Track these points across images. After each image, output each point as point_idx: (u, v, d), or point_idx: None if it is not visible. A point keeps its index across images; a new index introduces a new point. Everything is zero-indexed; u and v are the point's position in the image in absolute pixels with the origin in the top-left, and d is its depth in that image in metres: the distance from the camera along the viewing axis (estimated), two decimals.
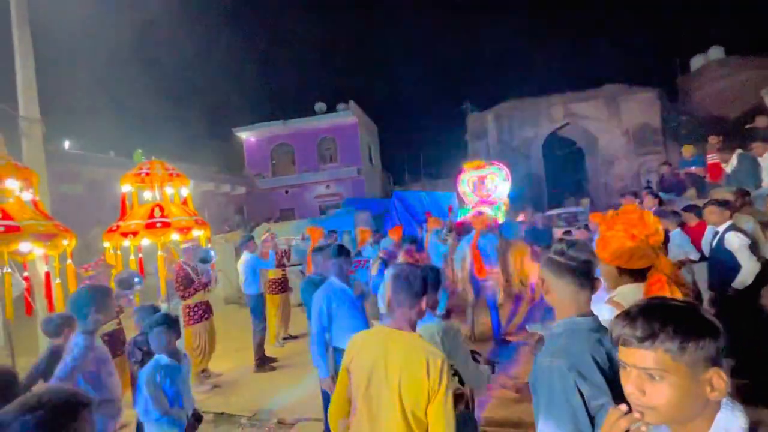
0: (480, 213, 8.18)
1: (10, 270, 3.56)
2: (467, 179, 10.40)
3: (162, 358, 2.37)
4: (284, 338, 6.19)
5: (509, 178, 10.32)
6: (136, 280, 4.21)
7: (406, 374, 1.55)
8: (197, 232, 4.96)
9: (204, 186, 17.67)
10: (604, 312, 1.64)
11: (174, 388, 2.33)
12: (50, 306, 3.80)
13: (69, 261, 4.04)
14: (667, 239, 3.91)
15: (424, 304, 1.67)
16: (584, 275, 1.31)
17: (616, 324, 0.86)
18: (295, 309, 6.53)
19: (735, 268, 3.45)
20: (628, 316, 0.85)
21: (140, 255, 4.91)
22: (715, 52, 16.77)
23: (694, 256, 4.21)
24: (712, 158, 7.33)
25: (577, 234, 6.25)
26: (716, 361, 0.79)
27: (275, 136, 22.16)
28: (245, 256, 5.62)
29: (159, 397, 2.27)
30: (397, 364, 1.57)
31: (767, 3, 21.13)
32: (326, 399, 3.49)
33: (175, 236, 4.70)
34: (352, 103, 21.44)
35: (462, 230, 7.51)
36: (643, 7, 44.19)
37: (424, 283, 1.68)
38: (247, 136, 22.30)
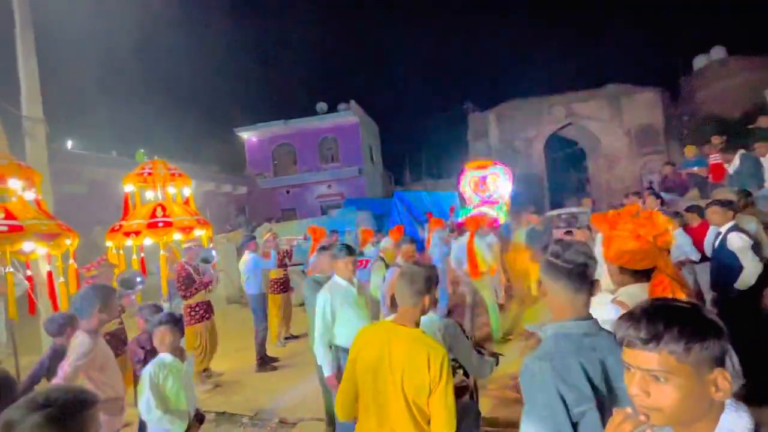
0: (481, 213, 8.18)
1: (12, 269, 3.57)
2: (469, 179, 10.39)
3: (165, 356, 2.37)
4: (286, 338, 6.20)
5: (511, 178, 10.31)
6: (138, 279, 4.23)
7: (408, 367, 1.64)
8: (199, 232, 4.97)
9: (206, 186, 17.70)
10: (609, 312, 1.64)
11: (176, 387, 2.33)
12: (54, 305, 3.81)
13: (71, 261, 4.05)
14: None
15: (427, 302, 1.76)
16: (580, 278, 1.28)
17: (620, 325, 0.86)
18: (296, 309, 6.54)
19: (737, 268, 3.44)
20: (632, 317, 0.84)
21: (142, 254, 4.93)
22: (718, 52, 16.71)
23: (695, 256, 4.20)
24: (715, 158, 7.30)
25: (578, 234, 6.24)
26: (721, 362, 0.79)
27: (277, 136, 22.19)
28: (247, 256, 5.63)
29: (161, 396, 2.27)
30: (400, 358, 1.66)
31: None
32: (328, 397, 3.50)
33: (177, 236, 4.71)
34: (353, 102, 21.45)
35: (462, 231, 7.51)
36: (646, 7, 44.10)
37: (428, 282, 1.76)
38: (248, 136, 22.33)
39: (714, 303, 3.64)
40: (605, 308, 1.73)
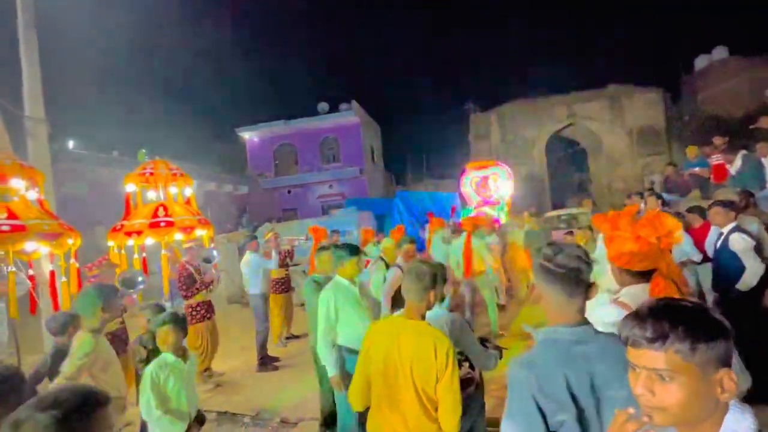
0: (482, 214, 8.18)
1: (14, 269, 3.58)
2: (470, 179, 10.39)
3: (167, 356, 2.37)
4: (287, 338, 6.21)
5: (512, 178, 10.31)
6: (139, 279, 4.24)
7: (417, 357, 1.77)
8: (200, 232, 4.98)
9: (207, 186, 17.74)
10: (610, 313, 1.64)
11: (177, 387, 2.32)
12: (55, 305, 3.82)
13: (73, 260, 4.06)
14: None
15: (432, 297, 1.87)
16: (574, 282, 1.23)
17: (625, 325, 0.86)
18: (297, 309, 6.54)
19: (739, 269, 3.43)
20: (637, 316, 0.84)
21: (144, 254, 4.94)
22: (719, 53, 16.69)
23: (696, 257, 4.19)
24: (717, 159, 7.29)
25: (579, 234, 6.24)
26: (726, 362, 0.79)
27: (278, 136, 22.20)
28: (248, 255, 5.64)
29: (161, 397, 2.27)
30: (409, 349, 1.79)
31: None
32: (330, 396, 3.51)
33: (178, 235, 4.72)
34: (354, 103, 21.45)
35: (461, 231, 7.50)
36: (647, 7, 44.02)
37: (434, 279, 1.87)
38: (250, 136, 22.35)
39: (716, 303, 3.63)
40: (605, 309, 1.73)
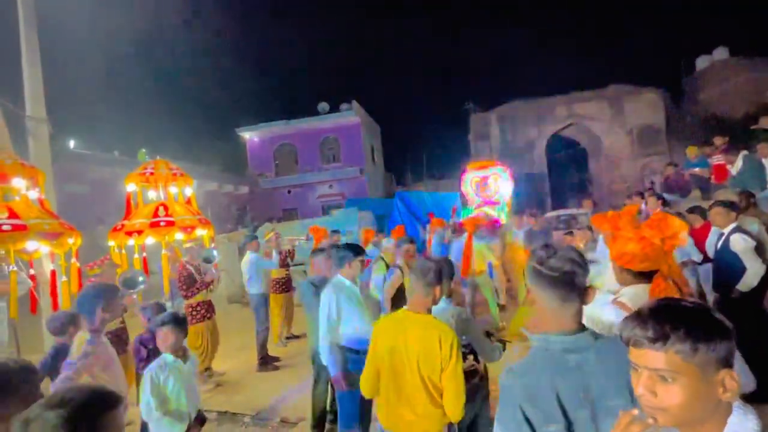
0: (482, 214, 8.18)
1: (15, 268, 3.58)
2: (470, 180, 10.39)
3: (167, 357, 2.36)
4: (287, 337, 6.21)
5: (512, 178, 10.30)
6: (140, 279, 4.24)
7: (423, 349, 1.88)
8: (201, 232, 4.98)
9: (207, 185, 17.73)
10: (609, 313, 1.64)
11: (177, 388, 2.31)
12: (54, 304, 3.82)
13: (74, 260, 4.07)
14: None
15: (438, 292, 1.98)
16: (568, 287, 1.18)
17: (626, 325, 0.86)
18: (298, 309, 6.53)
19: (740, 270, 3.43)
20: (639, 316, 0.84)
21: (144, 254, 4.94)
22: (720, 53, 16.69)
23: (696, 257, 4.19)
24: (717, 159, 7.28)
25: (579, 234, 6.22)
26: (728, 363, 0.79)
27: (278, 136, 22.21)
28: (249, 255, 5.64)
29: (161, 398, 2.27)
30: (416, 341, 1.90)
31: None
32: (323, 398, 3.51)
33: (179, 235, 4.72)
34: (354, 103, 21.45)
35: (462, 231, 7.49)
36: (648, 7, 44.03)
37: (439, 275, 1.97)
38: (250, 135, 22.36)
39: (716, 304, 3.63)
40: (605, 309, 1.73)
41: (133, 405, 2.73)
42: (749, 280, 3.40)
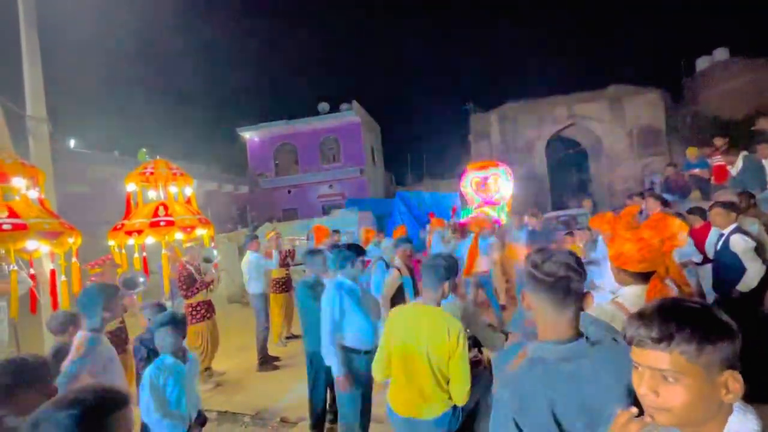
0: (483, 214, 8.18)
1: (15, 267, 3.58)
2: (470, 180, 10.39)
3: (167, 358, 2.36)
4: (287, 337, 6.21)
5: (512, 178, 10.30)
6: (140, 280, 4.24)
7: (432, 338, 2.04)
8: (201, 231, 4.99)
9: (207, 185, 17.73)
10: (606, 310, 1.64)
11: (177, 389, 2.30)
12: (54, 303, 3.82)
13: (74, 259, 4.07)
14: None
15: (447, 287, 2.15)
16: (563, 292, 1.13)
17: (630, 324, 0.85)
18: (298, 308, 6.54)
19: (740, 270, 3.43)
20: (643, 316, 0.83)
21: (144, 253, 4.94)
22: (721, 54, 16.66)
23: (696, 258, 4.19)
24: (717, 160, 7.28)
25: (579, 235, 6.22)
26: (732, 364, 0.78)
27: (278, 136, 22.20)
28: (249, 255, 5.65)
29: (160, 399, 2.26)
30: (425, 331, 2.06)
31: None
32: (322, 398, 3.51)
33: (179, 235, 4.73)
34: (355, 103, 21.45)
35: (465, 231, 7.49)
36: (648, 7, 44.01)
37: (448, 271, 2.14)
38: (250, 135, 22.36)
39: (716, 305, 3.63)
40: (604, 308, 1.73)
41: (134, 405, 2.73)
42: (749, 280, 3.40)
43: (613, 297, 1.77)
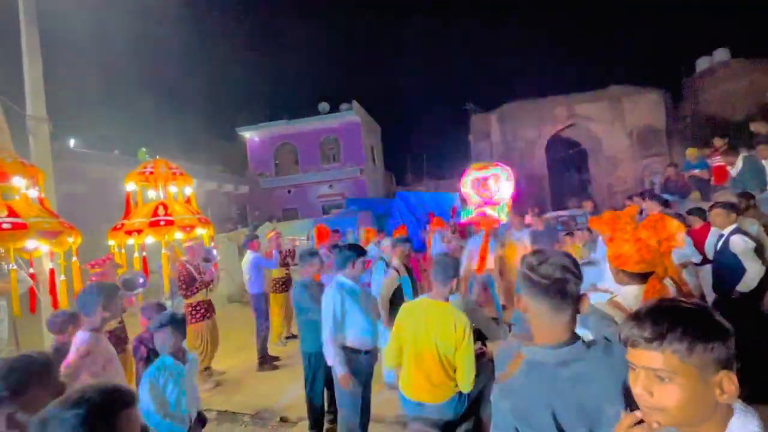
0: (482, 214, 8.18)
1: (15, 266, 3.58)
2: (470, 180, 10.39)
3: (166, 359, 2.35)
4: (287, 337, 6.21)
5: (512, 179, 10.29)
6: (140, 281, 4.24)
7: (441, 330, 2.25)
8: (201, 231, 4.99)
9: (207, 185, 17.72)
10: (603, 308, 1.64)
11: (176, 391, 2.30)
12: (54, 303, 3.82)
13: (74, 258, 4.07)
14: None
15: (454, 284, 2.36)
16: (559, 295, 1.11)
17: (624, 325, 0.86)
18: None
19: (740, 271, 3.43)
20: (637, 316, 0.84)
21: (144, 253, 4.94)
22: (721, 54, 16.66)
23: (695, 258, 4.19)
24: (717, 161, 7.29)
25: (579, 235, 6.22)
26: (727, 365, 0.78)
27: (278, 136, 22.21)
28: (249, 255, 5.65)
29: (160, 401, 2.26)
30: (434, 323, 2.28)
31: None
32: (319, 399, 3.51)
33: (178, 234, 4.73)
34: (355, 103, 21.45)
35: (465, 231, 7.50)
36: (648, 8, 44.03)
37: (456, 270, 2.34)
38: (250, 135, 22.36)
39: (716, 305, 3.64)
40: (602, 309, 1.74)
41: None
42: (749, 281, 3.40)
43: (611, 297, 1.78)
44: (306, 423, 3.58)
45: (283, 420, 3.87)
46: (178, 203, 5.02)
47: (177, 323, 2.40)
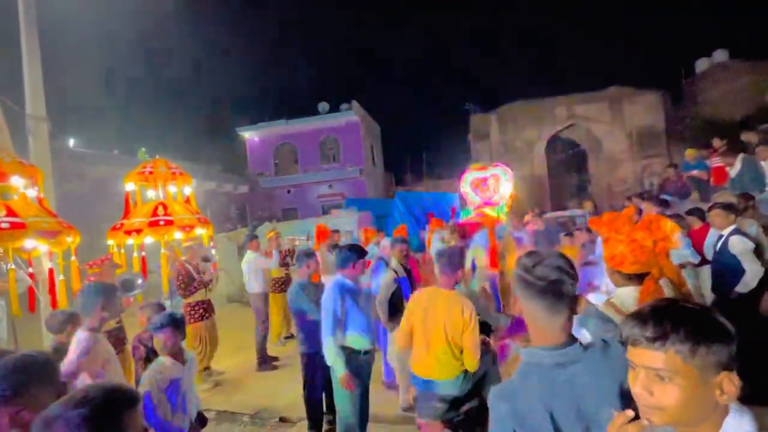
0: (482, 215, 8.17)
1: (14, 266, 3.58)
2: (470, 180, 10.38)
3: (165, 360, 2.35)
4: (286, 337, 6.21)
5: (512, 179, 10.30)
6: (139, 282, 4.24)
7: (449, 315, 2.50)
8: (200, 231, 4.98)
9: (207, 185, 17.71)
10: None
11: (176, 393, 2.29)
12: (53, 302, 3.82)
13: (73, 258, 4.06)
14: None
15: (461, 274, 2.64)
16: (555, 296, 1.10)
17: (626, 324, 0.86)
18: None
19: (739, 271, 3.44)
20: (639, 316, 0.84)
21: (143, 253, 4.94)
22: (720, 55, 16.69)
23: (694, 259, 4.19)
24: (716, 162, 7.30)
25: (578, 236, 6.22)
26: (728, 366, 0.78)
27: (278, 136, 22.20)
28: (248, 255, 5.64)
29: (160, 402, 2.26)
30: (443, 309, 2.53)
31: None
32: (318, 399, 3.50)
33: (178, 234, 4.72)
34: (354, 103, 21.45)
35: (464, 231, 7.48)
36: (648, 9, 44.06)
37: (462, 260, 2.58)
38: (250, 135, 22.35)
39: (714, 306, 3.64)
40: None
41: None
42: (748, 281, 3.41)
43: (607, 298, 1.78)
44: (305, 423, 3.58)
45: (283, 420, 3.87)
46: (178, 203, 5.01)
47: (175, 324, 2.40)
